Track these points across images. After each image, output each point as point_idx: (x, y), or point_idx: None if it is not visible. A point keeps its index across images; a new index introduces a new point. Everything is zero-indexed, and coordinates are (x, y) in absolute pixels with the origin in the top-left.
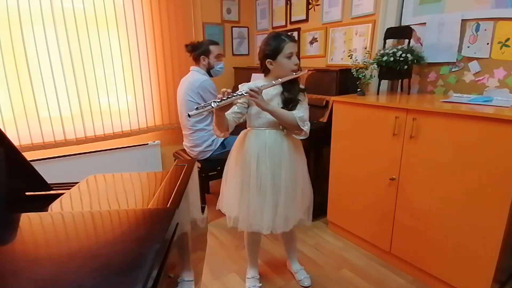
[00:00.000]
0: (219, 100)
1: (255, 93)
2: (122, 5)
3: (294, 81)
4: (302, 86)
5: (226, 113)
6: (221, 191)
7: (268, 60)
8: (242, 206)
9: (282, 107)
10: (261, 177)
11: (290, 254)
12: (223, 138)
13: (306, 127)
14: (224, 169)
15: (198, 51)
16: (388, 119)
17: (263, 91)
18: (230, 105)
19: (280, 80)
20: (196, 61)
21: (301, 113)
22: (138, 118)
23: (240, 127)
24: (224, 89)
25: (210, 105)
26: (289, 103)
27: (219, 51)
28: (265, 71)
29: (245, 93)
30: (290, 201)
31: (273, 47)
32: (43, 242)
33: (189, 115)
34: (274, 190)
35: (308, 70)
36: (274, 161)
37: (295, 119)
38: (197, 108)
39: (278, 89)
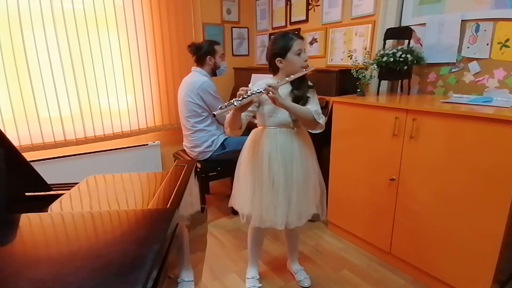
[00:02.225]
0: (240, 99)
1: (273, 89)
2: (122, 6)
3: (303, 79)
4: (310, 83)
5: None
6: (233, 189)
7: (278, 58)
8: (254, 203)
9: None
10: (273, 174)
11: (291, 254)
12: (223, 139)
13: (322, 120)
14: (236, 168)
15: (202, 51)
16: (388, 120)
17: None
18: (249, 104)
19: (293, 76)
20: (200, 61)
21: (314, 107)
22: (138, 119)
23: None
24: (243, 88)
25: (233, 104)
26: (299, 100)
27: (222, 50)
28: (274, 70)
29: (263, 90)
30: (303, 196)
31: (282, 46)
32: (43, 242)
33: (214, 115)
34: (286, 186)
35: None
36: (285, 158)
37: (311, 113)
38: (221, 108)
39: (288, 87)
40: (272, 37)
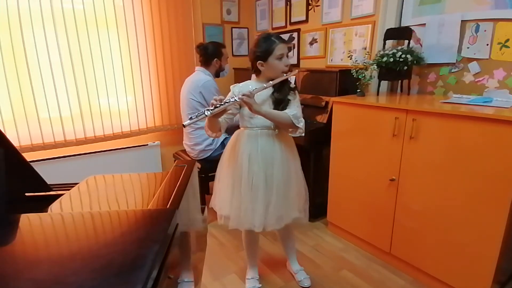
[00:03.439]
0: (212, 108)
1: (247, 98)
2: (122, 6)
3: (284, 81)
4: (292, 85)
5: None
6: (214, 189)
7: (259, 61)
8: (233, 205)
9: (273, 108)
10: (253, 176)
11: (289, 254)
12: (223, 138)
13: (301, 124)
14: (217, 169)
15: (210, 53)
16: (388, 120)
17: (255, 94)
18: (224, 111)
19: (271, 82)
20: (206, 63)
21: (293, 111)
22: (138, 119)
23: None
24: (216, 97)
25: (204, 113)
26: (280, 103)
27: (227, 54)
28: (256, 72)
29: (237, 99)
30: (283, 199)
31: (263, 49)
32: (43, 243)
33: (183, 125)
34: (266, 189)
35: (299, 71)
36: (266, 160)
37: (289, 117)
38: (191, 118)
39: (269, 90)
40: (255, 38)
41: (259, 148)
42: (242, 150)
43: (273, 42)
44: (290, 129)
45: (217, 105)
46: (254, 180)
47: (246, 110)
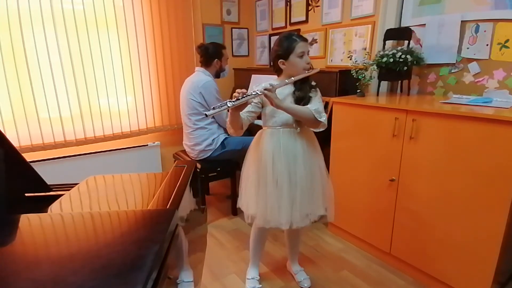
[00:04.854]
0: (234, 100)
1: (269, 92)
2: (122, 6)
3: (305, 79)
4: (313, 83)
5: (240, 112)
6: (240, 189)
7: (280, 60)
8: (259, 204)
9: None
10: (277, 175)
11: (291, 255)
12: (223, 138)
13: (323, 118)
14: (242, 168)
15: (211, 54)
16: (388, 120)
17: (276, 90)
18: (245, 104)
19: (292, 78)
20: (207, 63)
21: (315, 106)
22: (138, 119)
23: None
24: (239, 90)
25: (226, 104)
26: (301, 101)
27: (228, 55)
28: (278, 71)
29: (259, 92)
30: (308, 196)
31: (285, 47)
32: (43, 243)
33: (206, 115)
34: (290, 186)
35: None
36: (289, 158)
37: (311, 112)
38: (213, 108)
39: (290, 88)
40: (276, 38)
41: (281, 146)
42: (265, 148)
43: (293, 40)
44: (312, 125)
45: (239, 98)
46: (279, 178)
47: (268, 109)
